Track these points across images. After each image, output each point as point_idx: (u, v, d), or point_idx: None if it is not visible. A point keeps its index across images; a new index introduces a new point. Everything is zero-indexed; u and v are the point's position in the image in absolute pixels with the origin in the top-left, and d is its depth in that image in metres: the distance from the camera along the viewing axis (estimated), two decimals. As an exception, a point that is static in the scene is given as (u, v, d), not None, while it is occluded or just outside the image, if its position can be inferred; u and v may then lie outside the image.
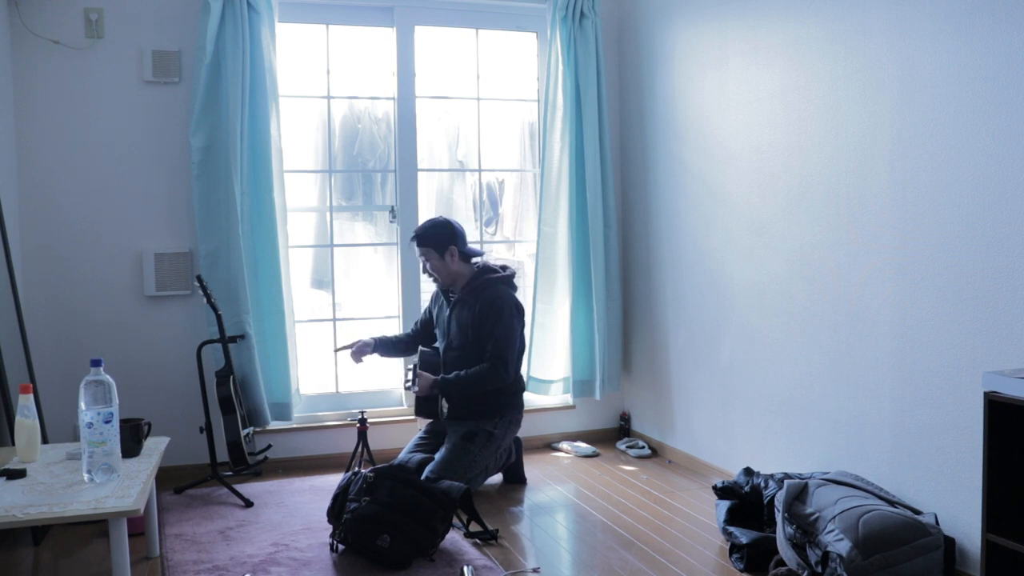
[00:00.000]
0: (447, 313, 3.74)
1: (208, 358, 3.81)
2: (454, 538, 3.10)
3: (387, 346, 3.89)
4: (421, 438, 3.78)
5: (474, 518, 3.15)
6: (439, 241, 3.67)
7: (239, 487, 3.65)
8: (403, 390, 3.80)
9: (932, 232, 2.71)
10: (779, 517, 2.72)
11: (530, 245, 4.59)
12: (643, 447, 4.32)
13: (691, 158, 3.96)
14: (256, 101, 3.87)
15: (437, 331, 3.84)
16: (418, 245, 3.70)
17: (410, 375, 3.69)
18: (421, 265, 3.76)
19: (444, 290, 3.81)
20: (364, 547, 2.85)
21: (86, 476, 2.51)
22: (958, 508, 2.64)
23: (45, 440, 3.33)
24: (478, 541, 3.09)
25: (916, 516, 2.60)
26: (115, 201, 3.86)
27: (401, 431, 4.20)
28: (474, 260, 3.76)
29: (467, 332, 3.64)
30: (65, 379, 3.66)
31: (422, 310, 4.02)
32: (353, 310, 4.48)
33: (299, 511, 3.42)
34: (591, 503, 3.55)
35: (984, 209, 2.53)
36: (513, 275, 3.77)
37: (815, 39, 3.18)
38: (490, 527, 3.16)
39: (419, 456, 3.61)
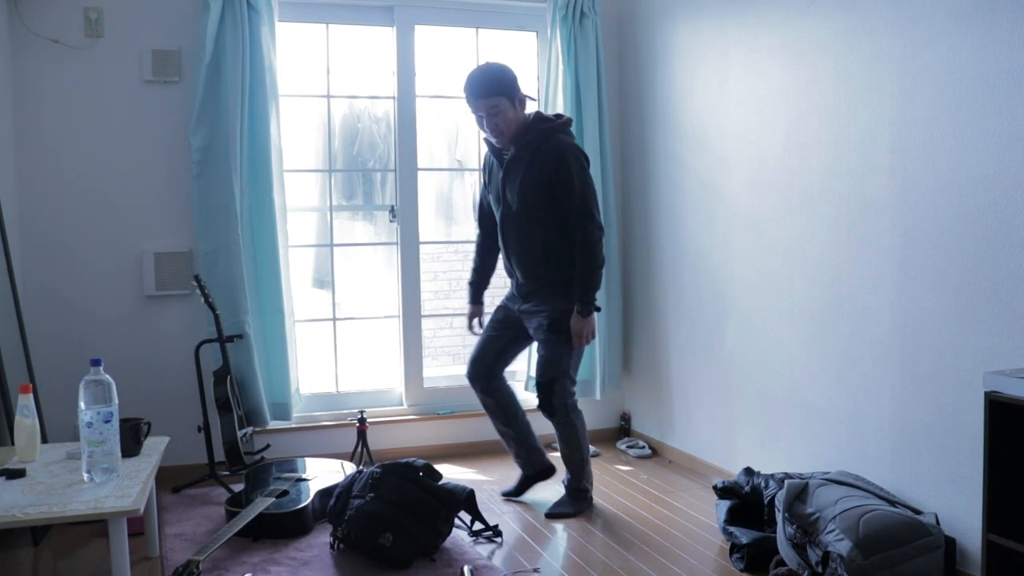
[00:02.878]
0: (500, 176, 3.27)
1: (207, 358, 3.80)
2: (455, 538, 3.10)
3: (485, 284, 3.59)
4: (492, 332, 3.47)
5: (477, 518, 3.14)
6: (512, 87, 3.16)
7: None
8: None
9: (932, 232, 2.71)
10: (779, 517, 2.72)
11: (530, 245, 4.57)
12: (643, 447, 4.32)
13: (691, 158, 3.96)
14: (256, 101, 3.87)
15: (491, 199, 3.37)
16: (487, 96, 3.13)
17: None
18: (483, 121, 3.18)
19: (500, 149, 3.28)
20: (366, 544, 2.84)
21: (86, 476, 2.51)
22: (959, 508, 2.64)
23: (45, 440, 3.33)
24: (482, 540, 3.09)
25: (916, 516, 2.60)
26: (115, 201, 3.85)
27: (401, 431, 4.20)
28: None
29: (530, 194, 3.18)
30: (65, 379, 3.65)
31: (477, 197, 3.51)
32: (353, 310, 4.48)
33: (299, 511, 3.42)
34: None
35: (984, 209, 2.53)
36: (569, 122, 3.30)
37: (815, 39, 3.18)
38: (491, 524, 3.17)
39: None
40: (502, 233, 3.35)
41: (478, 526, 3.17)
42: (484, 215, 3.55)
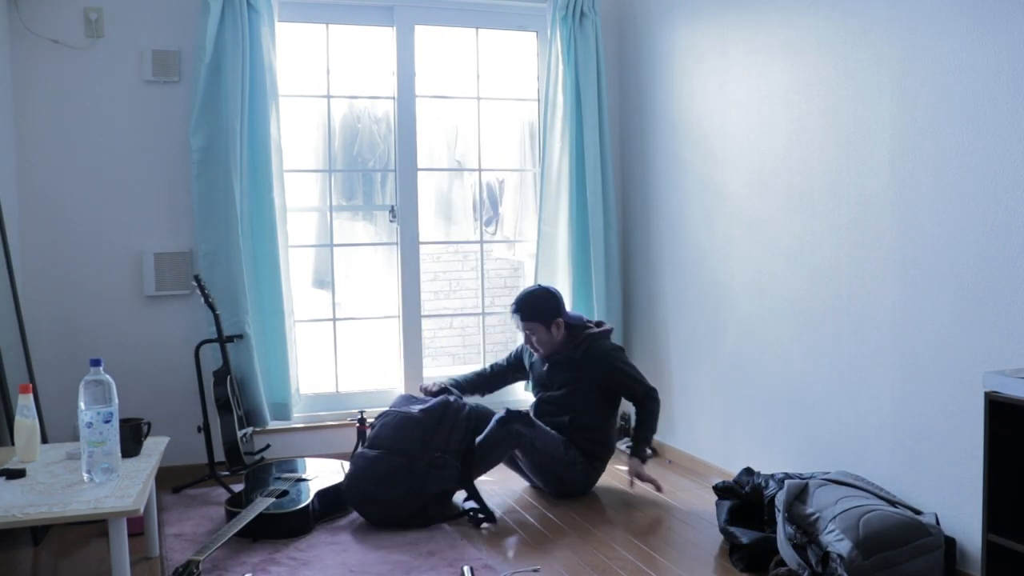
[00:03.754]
0: (544, 369, 3.71)
1: (207, 358, 3.80)
2: (454, 539, 3.11)
3: (469, 388, 3.87)
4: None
5: (477, 499, 3.30)
6: (547, 315, 3.61)
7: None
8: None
9: (932, 232, 2.71)
10: (779, 517, 2.72)
11: (530, 245, 4.58)
12: (643, 447, 4.32)
13: (691, 158, 3.96)
14: (256, 101, 3.87)
15: (532, 380, 3.85)
16: (523, 320, 3.62)
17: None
18: (524, 337, 3.69)
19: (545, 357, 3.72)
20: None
21: (86, 476, 2.51)
22: (959, 508, 2.64)
23: (45, 440, 3.33)
24: (479, 522, 3.22)
25: (917, 516, 2.60)
26: (115, 201, 3.85)
27: (401, 431, 4.19)
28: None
29: (579, 389, 3.61)
30: (65, 379, 3.65)
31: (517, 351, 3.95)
32: (353, 310, 4.48)
33: (299, 511, 3.42)
34: (592, 503, 3.55)
35: (985, 209, 2.53)
36: (610, 331, 3.74)
37: (815, 39, 3.17)
38: (484, 512, 3.30)
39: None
40: (539, 403, 3.72)
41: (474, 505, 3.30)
42: (506, 370, 3.94)
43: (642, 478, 3.57)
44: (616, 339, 4.39)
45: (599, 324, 3.76)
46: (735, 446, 3.73)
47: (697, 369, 3.99)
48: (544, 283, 4.32)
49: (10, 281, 3.40)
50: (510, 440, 3.43)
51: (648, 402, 3.63)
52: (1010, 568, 2.17)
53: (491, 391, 3.95)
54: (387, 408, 3.56)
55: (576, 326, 3.69)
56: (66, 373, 3.67)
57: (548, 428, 3.53)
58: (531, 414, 3.58)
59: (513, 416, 3.43)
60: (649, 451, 3.71)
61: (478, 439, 3.42)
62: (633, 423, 3.71)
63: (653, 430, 3.64)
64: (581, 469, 3.56)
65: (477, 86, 4.48)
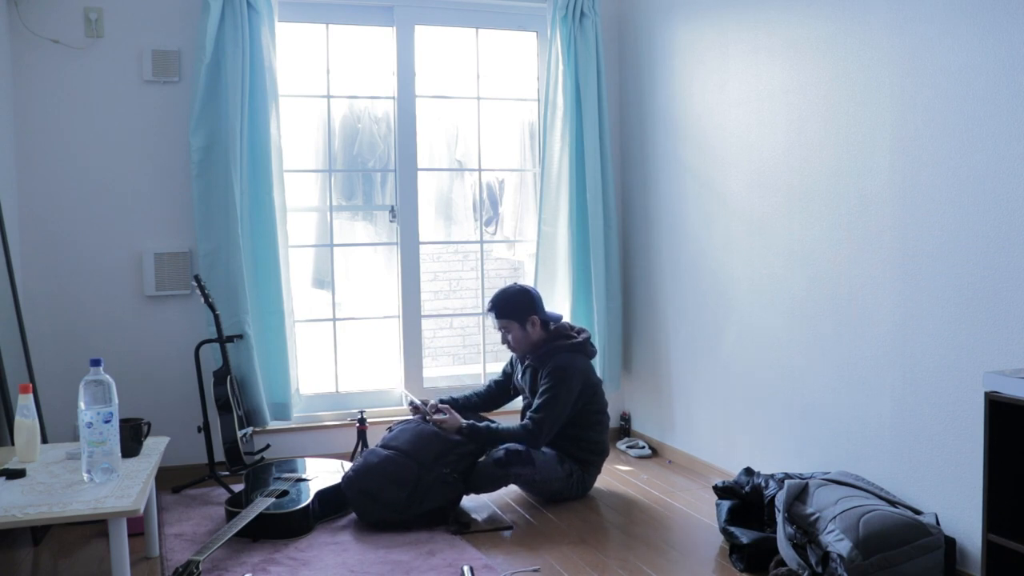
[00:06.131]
0: (520, 374, 3.70)
1: (207, 358, 3.80)
2: (454, 539, 3.12)
3: (466, 408, 3.73)
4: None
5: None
6: (521, 312, 3.57)
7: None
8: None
9: (932, 232, 2.71)
10: (779, 517, 2.72)
11: (530, 245, 4.58)
12: (643, 447, 4.32)
13: (691, 158, 3.96)
14: (256, 101, 3.87)
15: (516, 381, 3.78)
16: (497, 317, 3.59)
17: (411, 409, 3.58)
18: (500, 336, 3.65)
19: (520, 358, 3.71)
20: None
21: (86, 476, 2.51)
22: (959, 508, 2.64)
23: (45, 440, 3.33)
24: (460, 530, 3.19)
25: (917, 516, 2.60)
26: (115, 201, 3.85)
27: (401, 431, 4.19)
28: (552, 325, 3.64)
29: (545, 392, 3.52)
30: (65, 379, 3.65)
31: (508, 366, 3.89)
32: (353, 310, 4.48)
33: (299, 511, 3.42)
34: (591, 503, 3.55)
35: (985, 208, 2.53)
36: (587, 339, 3.63)
37: (815, 39, 3.18)
38: (473, 522, 3.28)
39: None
40: (523, 403, 3.72)
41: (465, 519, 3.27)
42: (504, 381, 3.86)
43: (443, 424, 3.41)
44: (615, 339, 4.42)
45: (580, 331, 3.66)
46: (735, 446, 3.73)
47: (697, 369, 3.99)
48: (543, 283, 4.34)
49: (10, 281, 3.40)
50: (507, 480, 3.44)
51: (525, 424, 3.44)
52: (1010, 568, 2.17)
53: (498, 407, 3.88)
54: (407, 419, 3.59)
55: (552, 333, 3.60)
56: (66, 373, 3.67)
57: (544, 450, 3.48)
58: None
59: (512, 458, 3.38)
60: (476, 424, 3.46)
61: (478, 461, 3.42)
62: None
63: (495, 438, 3.42)
64: (577, 478, 3.55)
65: (477, 86, 4.48)
